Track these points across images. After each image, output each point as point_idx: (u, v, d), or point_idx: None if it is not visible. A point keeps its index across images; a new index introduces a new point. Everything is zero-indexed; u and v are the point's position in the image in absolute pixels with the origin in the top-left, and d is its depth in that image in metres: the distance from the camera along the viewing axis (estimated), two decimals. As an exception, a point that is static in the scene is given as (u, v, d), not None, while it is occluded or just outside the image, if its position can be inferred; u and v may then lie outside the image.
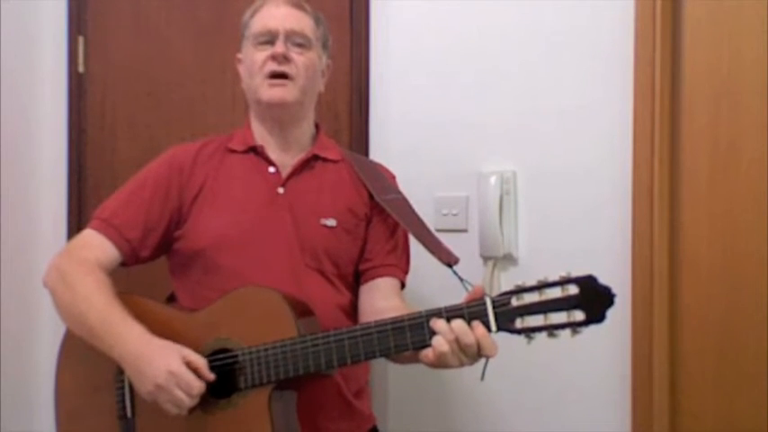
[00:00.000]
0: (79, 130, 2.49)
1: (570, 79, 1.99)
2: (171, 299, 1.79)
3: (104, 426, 1.62)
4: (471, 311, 1.42)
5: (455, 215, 2.12)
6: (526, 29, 2.04)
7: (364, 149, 2.20)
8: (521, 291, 1.41)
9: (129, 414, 1.59)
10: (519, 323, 1.40)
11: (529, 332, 1.40)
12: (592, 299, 1.38)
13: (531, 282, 1.41)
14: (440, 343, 1.42)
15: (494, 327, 1.41)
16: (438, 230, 2.11)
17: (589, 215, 1.97)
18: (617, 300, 1.90)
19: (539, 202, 2.03)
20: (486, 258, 2.07)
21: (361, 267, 1.76)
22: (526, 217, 2.05)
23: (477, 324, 1.42)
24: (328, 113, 2.22)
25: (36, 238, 2.48)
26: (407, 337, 1.45)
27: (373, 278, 1.74)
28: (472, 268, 2.06)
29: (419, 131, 2.16)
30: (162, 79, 2.42)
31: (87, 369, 1.63)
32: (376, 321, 1.50)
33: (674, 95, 1.91)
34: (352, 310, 1.74)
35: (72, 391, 1.70)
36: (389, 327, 1.47)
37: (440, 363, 1.44)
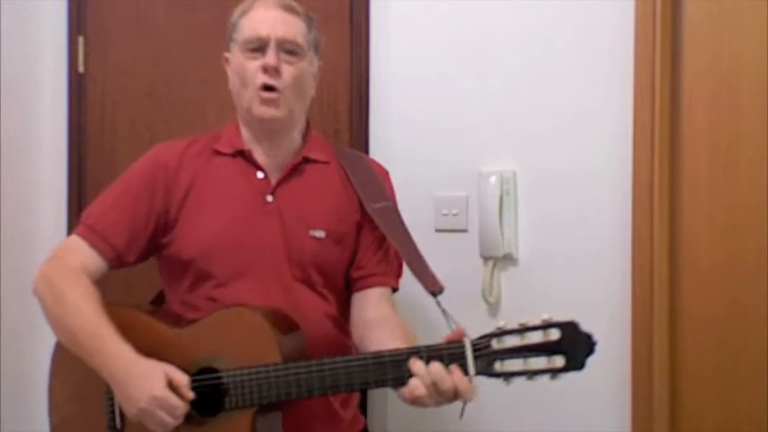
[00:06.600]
0: (79, 130, 2.48)
1: (570, 79, 1.99)
2: (160, 297, 1.80)
3: None
4: (451, 353, 1.42)
5: (455, 215, 2.12)
6: (526, 29, 2.04)
7: (364, 149, 2.20)
8: (502, 333, 1.40)
9: (118, 425, 1.61)
10: (498, 366, 1.39)
11: (508, 376, 1.39)
12: (573, 345, 1.38)
13: (513, 324, 1.40)
14: (416, 385, 1.41)
15: (472, 370, 1.40)
16: (438, 230, 2.12)
17: (589, 215, 1.97)
18: (616, 300, 1.92)
19: (539, 202, 2.03)
20: (486, 258, 2.07)
21: (353, 275, 1.74)
22: (526, 217, 2.05)
23: (455, 368, 1.41)
24: (328, 113, 2.22)
25: (36, 238, 2.48)
26: (387, 373, 1.45)
27: (364, 288, 1.73)
28: (472, 268, 2.07)
29: (419, 131, 2.16)
30: (162, 79, 2.41)
31: (79, 377, 1.63)
32: (357, 355, 1.50)
33: (674, 95, 1.91)
34: (342, 319, 1.73)
35: (65, 399, 1.71)
36: (371, 361, 1.46)
37: (416, 403, 1.44)
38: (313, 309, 1.67)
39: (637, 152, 1.90)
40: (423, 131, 2.16)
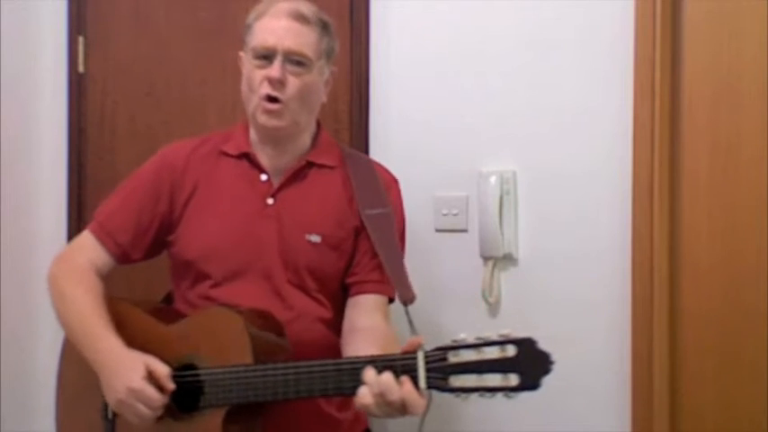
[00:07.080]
0: (79, 130, 2.49)
1: (570, 79, 1.99)
2: (169, 296, 1.82)
3: (93, 422, 1.65)
4: (404, 364, 1.38)
5: (455, 215, 2.12)
6: (526, 29, 2.04)
7: (364, 149, 2.20)
8: (458, 347, 1.35)
9: (110, 416, 1.62)
10: (453, 381, 1.35)
11: (461, 392, 1.34)
12: (529, 363, 1.33)
13: (470, 338, 1.36)
14: (364, 394, 1.39)
15: (423, 383, 1.37)
16: (438, 230, 2.12)
17: (589, 215, 1.97)
18: (616, 299, 1.92)
19: (539, 202, 2.03)
20: (486, 258, 2.07)
21: (348, 281, 1.73)
22: (526, 217, 2.05)
23: (405, 380, 1.37)
24: (328, 113, 2.22)
25: (36, 238, 2.48)
26: (343, 380, 1.43)
27: (357, 294, 1.72)
28: (472, 268, 2.07)
29: (419, 131, 2.16)
30: (162, 79, 2.42)
31: (83, 365, 1.66)
32: (320, 361, 1.48)
33: (674, 95, 1.91)
34: (338, 324, 1.72)
35: (71, 383, 1.75)
36: (331, 368, 1.45)
37: (368, 413, 1.43)
38: (306, 312, 1.67)
39: (637, 152, 1.90)
40: (423, 131, 2.16)
